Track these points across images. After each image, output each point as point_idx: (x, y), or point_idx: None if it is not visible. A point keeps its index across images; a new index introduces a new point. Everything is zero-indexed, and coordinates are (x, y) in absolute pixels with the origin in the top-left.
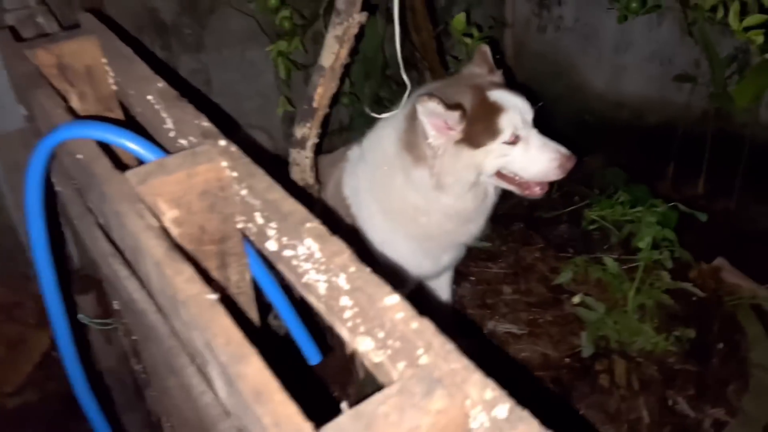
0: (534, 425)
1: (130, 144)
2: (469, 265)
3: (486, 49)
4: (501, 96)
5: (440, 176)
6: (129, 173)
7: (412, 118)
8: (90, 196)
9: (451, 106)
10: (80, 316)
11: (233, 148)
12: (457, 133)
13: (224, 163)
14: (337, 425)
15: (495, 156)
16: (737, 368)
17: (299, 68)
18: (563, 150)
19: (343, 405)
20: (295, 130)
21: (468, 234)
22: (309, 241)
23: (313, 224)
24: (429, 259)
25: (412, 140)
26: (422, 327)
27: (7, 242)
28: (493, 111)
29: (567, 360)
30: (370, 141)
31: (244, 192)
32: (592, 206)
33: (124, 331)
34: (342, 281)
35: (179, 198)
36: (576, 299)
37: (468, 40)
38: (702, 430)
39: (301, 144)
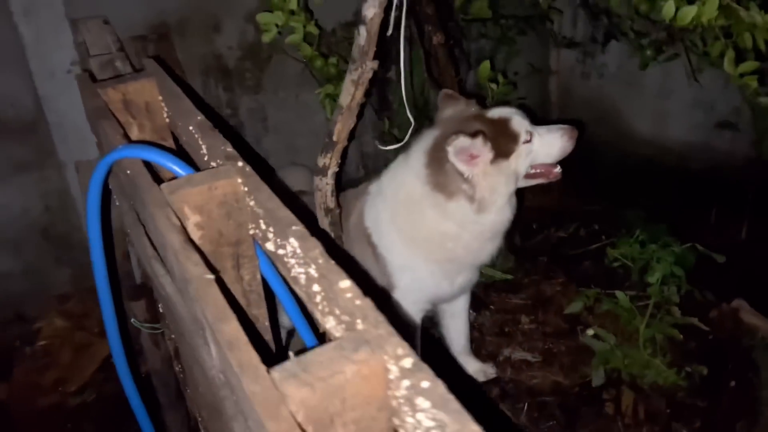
0: (429, 373)
1: (167, 162)
2: (490, 295)
3: (448, 92)
4: (498, 111)
5: (484, 198)
6: (163, 185)
7: (436, 162)
8: (136, 204)
9: (472, 134)
10: (132, 321)
11: (248, 168)
12: (488, 152)
13: (239, 180)
14: (283, 367)
15: (524, 156)
16: (748, 406)
17: None
18: (564, 126)
19: (290, 353)
20: (318, 160)
21: (487, 253)
22: (293, 240)
23: (297, 227)
24: (446, 280)
25: (441, 181)
26: (364, 304)
27: (84, 258)
28: (501, 124)
29: (577, 388)
30: (389, 180)
31: (252, 203)
32: (615, 245)
33: (167, 333)
34: (313, 271)
35: (201, 206)
36: (590, 331)
37: (493, 86)
38: None
39: (323, 172)
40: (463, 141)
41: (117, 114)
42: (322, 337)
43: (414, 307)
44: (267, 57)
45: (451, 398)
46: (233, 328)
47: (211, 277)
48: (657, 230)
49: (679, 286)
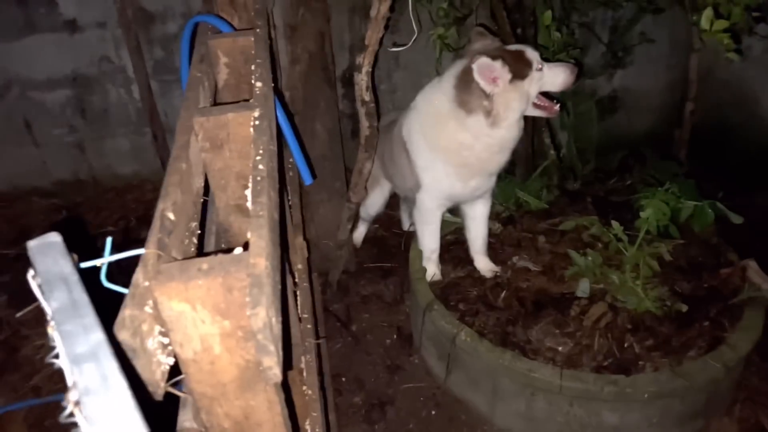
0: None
1: (215, 23)
2: (523, 217)
3: (479, 29)
4: (515, 46)
5: (498, 113)
6: (207, 38)
7: (463, 84)
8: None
9: (494, 57)
10: None
11: (259, 31)
12: (507, 73)
13: (252, 38)
14: (170, 265)
15: (536, 80)
16: (708, 343)
17: (450, 50)
18: (567, 64)
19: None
20: (356, 59)
21: (495, 164)
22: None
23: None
24: (460, 182)
25: (465, 99)
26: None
27: None
28: (518, 53)
29: (558, 295)
30: (422, 98)
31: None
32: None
33: None
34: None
35: (228, 51)
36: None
37: (557, 34)
38: (638, 369)
39: (358, 69)
40: (485, 60)
41: (224, 6)
42: (314, 174)
43: (435, 202)
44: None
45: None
46: None
47: None
48: (687, 185)
49: (667, 225)
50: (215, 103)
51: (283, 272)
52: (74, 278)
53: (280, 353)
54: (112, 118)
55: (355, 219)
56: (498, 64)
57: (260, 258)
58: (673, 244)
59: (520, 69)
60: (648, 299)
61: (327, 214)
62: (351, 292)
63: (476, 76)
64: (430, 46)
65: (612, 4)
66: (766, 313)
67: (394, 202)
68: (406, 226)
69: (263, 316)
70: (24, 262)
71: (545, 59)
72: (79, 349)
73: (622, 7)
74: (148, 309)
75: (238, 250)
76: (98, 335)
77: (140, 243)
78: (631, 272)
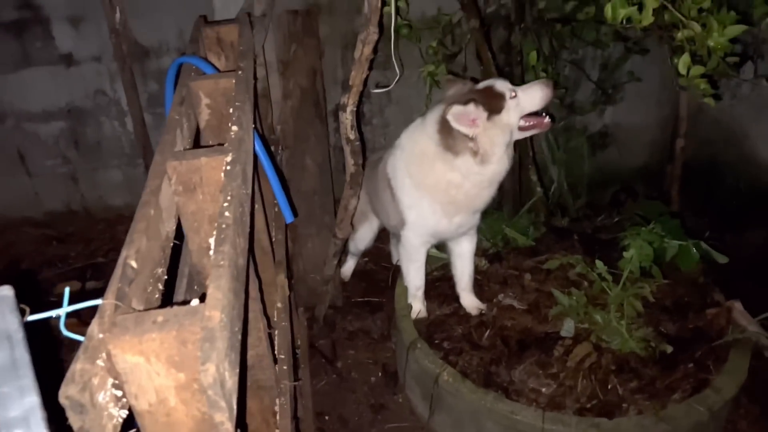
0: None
1: (199, 65)
2: (510, 254)
3: (450, 77)
4: (484, 83)
5: (486, 151)
6: (189, 78)
7: (446, 129)
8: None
9: (465, 102)
10: None
11: (241, 74)
12: (483, 112)
13: (233, 80)
14: (125, 317)
15: (513, 109)
16: (694, 387)
17: (440, 87)
18: (541, 80)
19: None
20: (340, 99)
21: (482, 200)
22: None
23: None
24: (445, 218)
25: (450, 143)
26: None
27: None
28: (488, 89)
29: (543, 334)
30: (407, 138)
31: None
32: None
33: None
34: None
35: (210, 93)
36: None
37: (544, 74)
38: (622, 412)
39: (343, 108)
40: (457, 108)
41: (211, 46)
42: (296, 212)
43: (420, 239)
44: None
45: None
46: None
47: None
48: (672, 224)
49: (649, 266)
50: (197, 144)
51: (246, 318)
52: (18, 336)
53: (233, 407)
54: (106, 149)
55: (343, 253)
56: (471, 107)
57: (215, 311)
58: (659, 283)
59: (494, 104)
60: (632, 340)
61: (315, 248)
62: (338, 328)
63: (454, 124)
64: (420, 82)
65: (600, 44)
66: (752, 355)
67: (383, 235)
68: (395, 259)
69: (213, 372)
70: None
71: (517, 84)
72: (12, 413)
73: (610, 47)
74: (100, 362)
75: (195, 302)
76: (33, 399)
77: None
78: (616, 312)
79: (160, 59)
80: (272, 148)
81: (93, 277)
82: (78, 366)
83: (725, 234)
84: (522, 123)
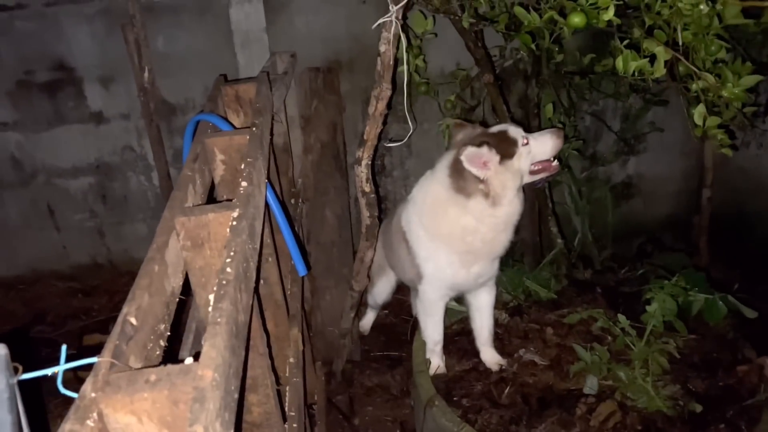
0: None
1: (215, 122)
2: (531, 307)
3: (457, 121)
4: (497, 127)
5: (497, 193)
6: (204, 135)
7: (456, 172)
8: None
9: (479, 144)
10: None
11: (255, 130)
12: (495, 155)
13: (247, 137)
14: (119, 376)
15: (524, 155)
16: None
17: None
18: (552, 129)
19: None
20: (356, 153)
21: (500, 244)
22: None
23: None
24: (463, 269)
25: (462, 185)
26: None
27: None
28: (502, 134)
29: (566, 392)
30: (418, 189)
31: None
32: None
33: None
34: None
35: (224, 149)
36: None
37: (560, 125)
38: None
39: (358, 162)
40: (471, 150)
41: (230, 103)
42: (308, 265)
43: (437, 293)
44: (416, 95)
45: None
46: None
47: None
48: (697, 278)
49: (671, 321)
50: (213, 200)
51: (243, 377)
52: (4, 396)
53: None
54: (132, 203)
55: (362, 306)
56: (485, 150)
57: (208, 370)
58: (685, 338)
59: (506, 149)
60: (659, 398)
61: (333, 301)
62: (355, 383)
63: (466, 165)
64: (440, 134)
65: (619, 95)
66: None
67: (404, 287)
68: (416, 311)
69: None
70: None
71: (529, 131)
72: None
73: (629, 99)
74: (90, 422)
75: (189, 360)
76: None
77: None
78: (641, 368)
79: (186, 116)
80: (293, 201)
81: None
82: (67, 426)
83: (757, 286)
84: (532, 167)
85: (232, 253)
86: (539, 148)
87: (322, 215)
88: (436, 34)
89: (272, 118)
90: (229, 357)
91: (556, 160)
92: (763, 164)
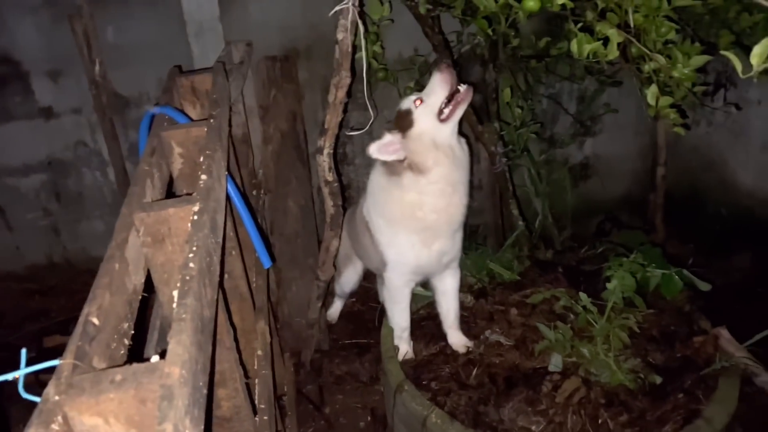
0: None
1: (172, 115)
2: (495, 290)
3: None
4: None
5: (419, 162)
6: (161, 129)
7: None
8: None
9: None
10: None
11: (213, 122)
12: (394, 136)
13: (205, 129)
14: (82, 377)
15: (423, 115)
16: (684, 417)
17: None
18: (437, 68)
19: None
20: (317, 142)
21: (457, 210)
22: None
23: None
24: (425, 249)
25: (390, 169)
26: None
27: None
28: (397, 112)
29: (531, 370)
30: (369, 180)
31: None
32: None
33: None
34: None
35: (182, 142)
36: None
37: (518, 110)
38: None
39: (320, 151)
40: (373, 146)
41: (186, 95)
42: (273, 257)
43: (402, 278)
44: (375, 82)
45: None
46: None
47: None
48: (654, 254)
49: (630, 296)
50: (171, 194)
51: (211, 372)
52: None
53: None
54: (87, 200)
55: (329, 296)
56: (386, 137)
57: (175, 367)
58: (644, 313)
59: (403, 122)
60: (621, 372)
61: (300, 292)
62: (325, 372)
63: (379, 157)
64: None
65: (574, 78)
66: (742, 383)
67: (371, 274)
68: (382, 299)
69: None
70: None
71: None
72: None
73: (585, 81)
74: (55, 426)
75: (155, 358)
76: None
77: None
78: (603, 344)
79: (140, 109)
80: (254, 193)
81: None
82: (31, 431)
83: (711, 260)
84: (445, 113)
85: (194, 248)
86: (433, 97)
87: (285, 206)
88: (392, 20)
89: (230, 109)
90: (196, 353)
91: (463, 86)
92: (713, 141)
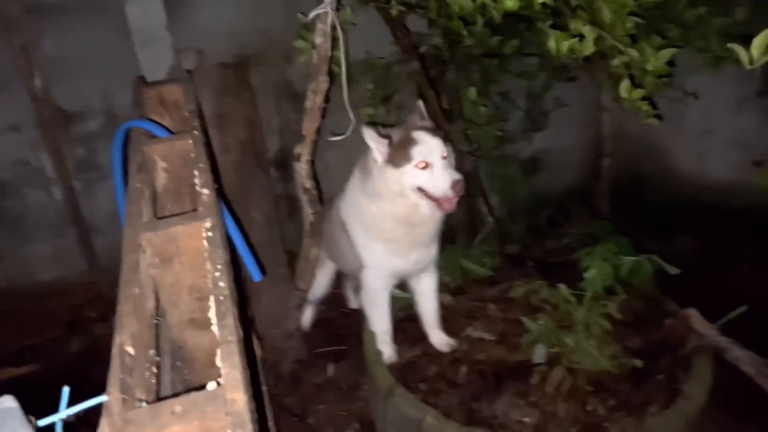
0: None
1: (151, 128)
2: (471, 286)
3: (420, 103)
4: (419, 134)
5: (375, 186)
6: (143, 142)
7: (365, 168)
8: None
9: (382, 135)
10: None
11: (197, 133)
12: (386, 148)
13: (191, 141)
14: (137, 412)
15: (409, 176)
16: (667, 396)
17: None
18: (456, 176)
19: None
20: (295, 149)
21: (424, 236)
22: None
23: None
24: (399, 258)
25: (364, 164)
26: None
27: None
28: (411, 143)
29: (516, 364)
30: (349, 182)
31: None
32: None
33: None
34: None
35: (166, 156)
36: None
37: (484, 109)
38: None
39: (297, 158)
40: (372, 133)
41: (154, 107)
42: (263, 270)
43: (380, 281)
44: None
45: None
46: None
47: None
48: (622, 241)
49: (612, 285)
50: (155, 210)
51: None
52: None
53: None
54: (31, 222)
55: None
56: (381, 141)
57: (237, 392)
58: (619, 300)
59: (399, 157)
60: (604, 358)
61: (271, 302)
62: (304, 382)
63: (367, 139)
64: (357, 126)
65: (526, 74)
66: (714, 359)
67: (338, 280)
68: (353, 304)
69: None
70: None
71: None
72: None
73: (536, 77)
74: None
75: (212, 386)
76: None
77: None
78: (584, 333)
79: (85, 123)
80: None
81: (31, 360)
82: None
83: (657, 245)
84: (425, 191)
85: (219, 267)
86: (431, 182)
87: (249, 216)
88: (355, 24)
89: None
90: (247, 376)
91: (452, 202)
92: (653, 129)
